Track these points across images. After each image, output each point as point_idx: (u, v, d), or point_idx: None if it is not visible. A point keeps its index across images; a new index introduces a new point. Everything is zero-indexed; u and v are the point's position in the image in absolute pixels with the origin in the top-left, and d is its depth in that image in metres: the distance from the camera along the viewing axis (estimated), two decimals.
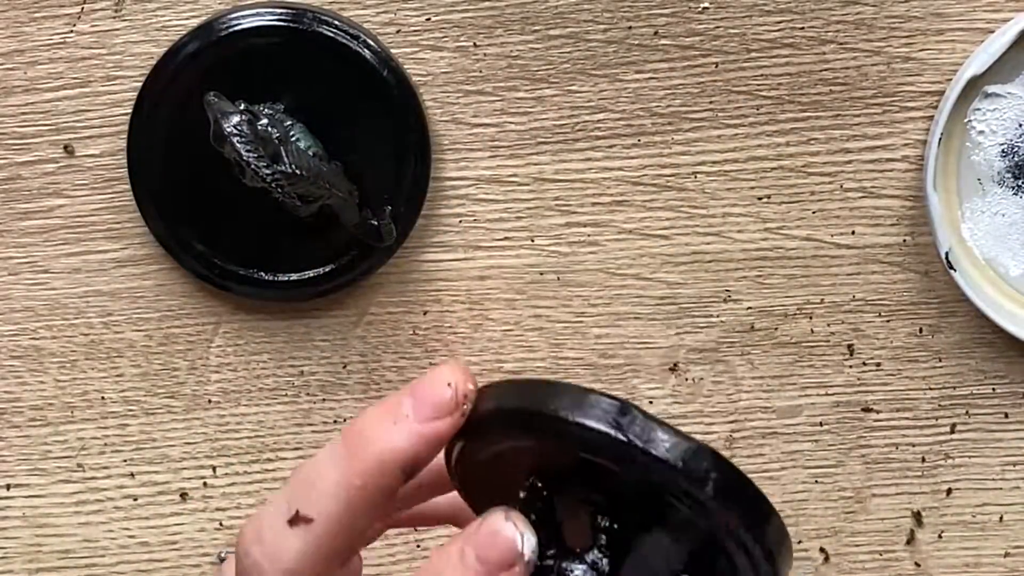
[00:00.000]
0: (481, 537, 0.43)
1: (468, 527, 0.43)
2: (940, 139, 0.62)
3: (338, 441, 0.45)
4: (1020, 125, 0.63)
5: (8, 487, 0.68)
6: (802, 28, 0.63)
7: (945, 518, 0.67)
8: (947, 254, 0.62)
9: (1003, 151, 0.63)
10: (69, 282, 0.66)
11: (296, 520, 0.44)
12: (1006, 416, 0.67)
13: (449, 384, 0.44)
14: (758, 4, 0.63)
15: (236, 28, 0.62)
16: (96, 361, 0.67)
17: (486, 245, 0.65)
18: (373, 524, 0.46)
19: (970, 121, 0.63)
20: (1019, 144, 0.63)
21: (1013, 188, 0.63)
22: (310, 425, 0.67)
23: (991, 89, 0.62)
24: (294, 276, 0.64)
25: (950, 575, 0.68)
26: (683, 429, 0.67)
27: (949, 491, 0.67)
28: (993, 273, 0.64)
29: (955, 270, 0.63)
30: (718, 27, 0.63)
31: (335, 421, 0.67)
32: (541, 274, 0.66)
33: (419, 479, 0.46)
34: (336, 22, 0.62)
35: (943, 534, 0.68)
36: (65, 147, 0.65)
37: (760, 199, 0.65)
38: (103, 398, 0.67)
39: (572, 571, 0.42)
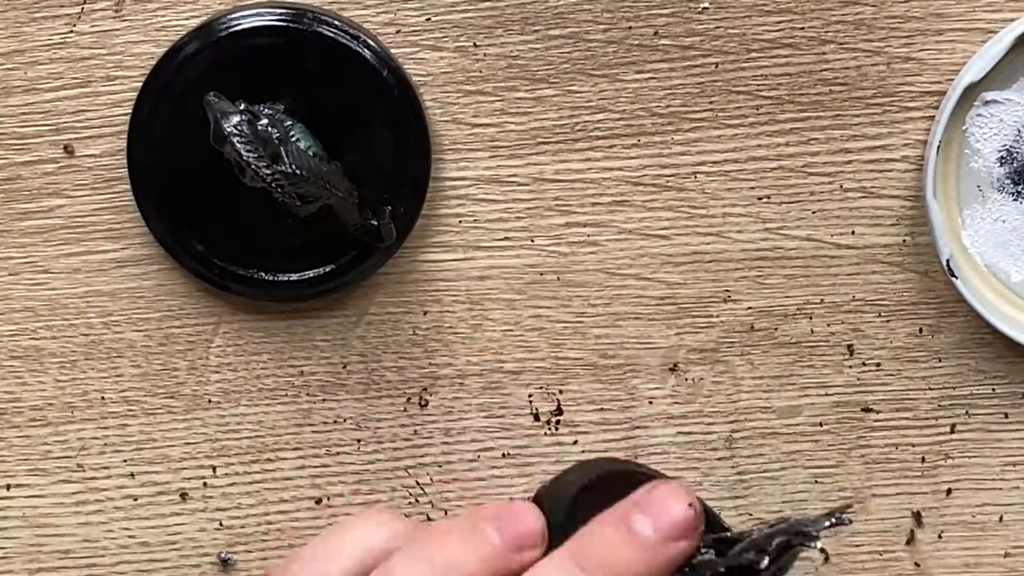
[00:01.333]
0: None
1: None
2: (939, 147, 0.62)
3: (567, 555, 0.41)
4: (1019, 131, 0.63)
5: (8, 487, 0.68)
6: (802, 28, 0.63)
7: (945, 518, 0.67)
8: (948, 261, 0.62)
9: (1002, 157, 0.63)
10: (69, 282, 0.66)
11: None
12: (1006, 416, 0.67)
13: (691, 505, 0.42)
14: (758, 4, 0.63)
15: (236, 28, 0.62)
16: (96, 361, 0.67)
17: (486, 245, 0.65)
18: None
19: (968, 128, 0.63)
20: (1018, 150, 0.63)
21: (1013, 194, 0.63)
22: (310, 425, 0.67)
23: (989, 96, 0.62)
24: (294, 276, 0.64)
25: (950, 575, 0.68)
26: (683, 429, 0.68)
27: (949, 491, 0.67)
28: (995, 279, 0.64)
29: (956, 277, 0.63)
30: (718, 27, 0.63)
31: (335, 421, 0.67)
32: (541, 274, 0.66)
33: None
34: (336, 22, 0.62)
35: (943, 534, 0.68)
36: (65, 147, 0.65)
37: (760, 199, 0.65)
38: (103, 398, 0.67)
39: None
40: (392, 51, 0.63)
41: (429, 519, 0.67)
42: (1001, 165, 0.63)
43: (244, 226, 0.64)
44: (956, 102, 0.61)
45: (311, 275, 0.64)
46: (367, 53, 0.62)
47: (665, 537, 0.40)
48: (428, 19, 0.64)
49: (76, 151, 0.65)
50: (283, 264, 0.64)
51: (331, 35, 0.62)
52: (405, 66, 0.63)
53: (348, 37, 0.62)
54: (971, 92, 0.62)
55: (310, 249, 0.64)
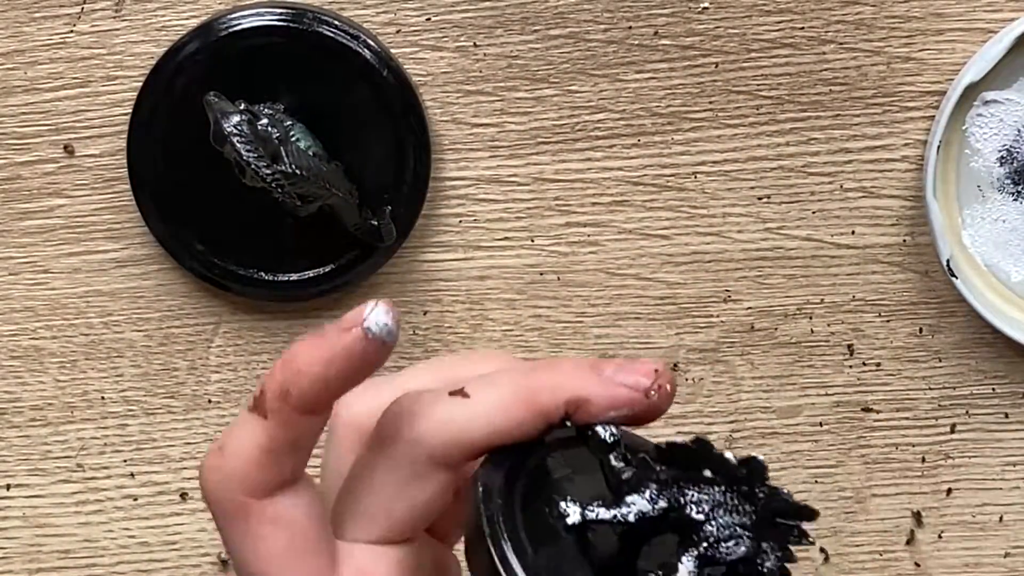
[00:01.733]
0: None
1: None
2: (939, 147, 0.62)
3: (512, 364, 0.47)
4: (1019, 131, 0.63)
5: (8, 487, 0.68)
6: (802, 28, 0.63)
7: (945, 518, 0.67)
8: (948, 261, 0.62)
9: (1002, 157, 0.63)
10: (69, 282, 0.66)
11: (457, 392, 0.46)
12: (1006, 416, 0.67)
13: (657, 371, 0.46)
14: (758, 4, 0.63)
15: (236, 28, 0.62)
16: (96, 361, 0.67)
17: (486, 245, 0.65)
18: (510, 434, 0.47)
19: (968, 128, 0.63)
20: (1018, 150, 0.63)
21: (1013, 194, 0.63)
22: None
23: (989, 96, 0.62)
24: (294, 276, 0.64)
25: (950, 575, 0.68)
26: (683, 429, 0.68)
27: (949, 491, 0.67)
28: (995, 279, 0.64)
29: (957, 277, 0.63)
30: (718, 27, 0.63)
31: None
32: (541, 274, 0.66)
33: None
34: (336, 22, 0.62)
35: (943, 534, 0.68)
36: (65, 147, 0.65)
37: (760, 199, 0.65)
38: (103, 398, 0.67)
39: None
40: (392, 51, 0.63)
41: None
42: (1001, 165, 0.63)
43: (244, 226, 0.64)
44: (956, 102, 0.61)
45: (311, 275, 0.64)
46: (367, 53, 0.62)
47: (618, 381, 0.46)
48: (428, 19, 0.64)
49: (76, 151, 0.65)
50: (283, 264, 0.64)
51: (331, 35, 0.62)
52: (405, 66, 0.63)
53: (348, 37, 0.62)
54: (971, 92, 0.62)
55: (310, 249, 0.64)
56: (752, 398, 0.66)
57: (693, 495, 0.42)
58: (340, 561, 0.44)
